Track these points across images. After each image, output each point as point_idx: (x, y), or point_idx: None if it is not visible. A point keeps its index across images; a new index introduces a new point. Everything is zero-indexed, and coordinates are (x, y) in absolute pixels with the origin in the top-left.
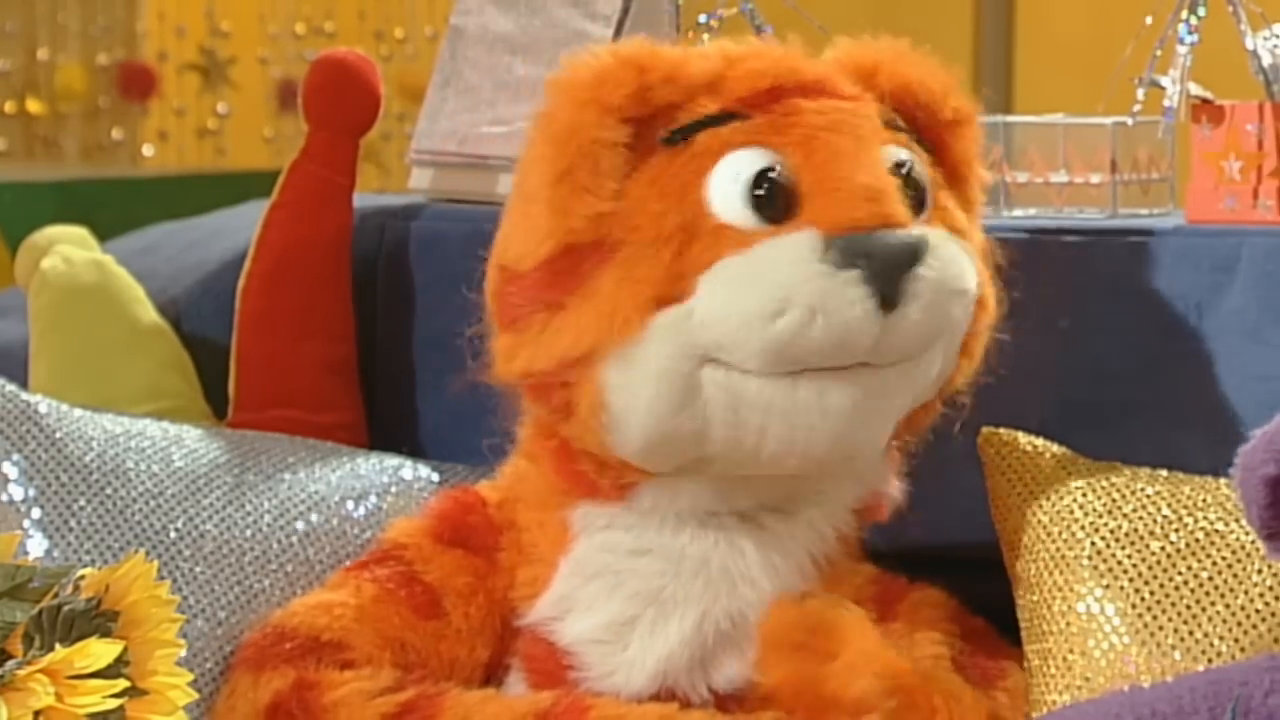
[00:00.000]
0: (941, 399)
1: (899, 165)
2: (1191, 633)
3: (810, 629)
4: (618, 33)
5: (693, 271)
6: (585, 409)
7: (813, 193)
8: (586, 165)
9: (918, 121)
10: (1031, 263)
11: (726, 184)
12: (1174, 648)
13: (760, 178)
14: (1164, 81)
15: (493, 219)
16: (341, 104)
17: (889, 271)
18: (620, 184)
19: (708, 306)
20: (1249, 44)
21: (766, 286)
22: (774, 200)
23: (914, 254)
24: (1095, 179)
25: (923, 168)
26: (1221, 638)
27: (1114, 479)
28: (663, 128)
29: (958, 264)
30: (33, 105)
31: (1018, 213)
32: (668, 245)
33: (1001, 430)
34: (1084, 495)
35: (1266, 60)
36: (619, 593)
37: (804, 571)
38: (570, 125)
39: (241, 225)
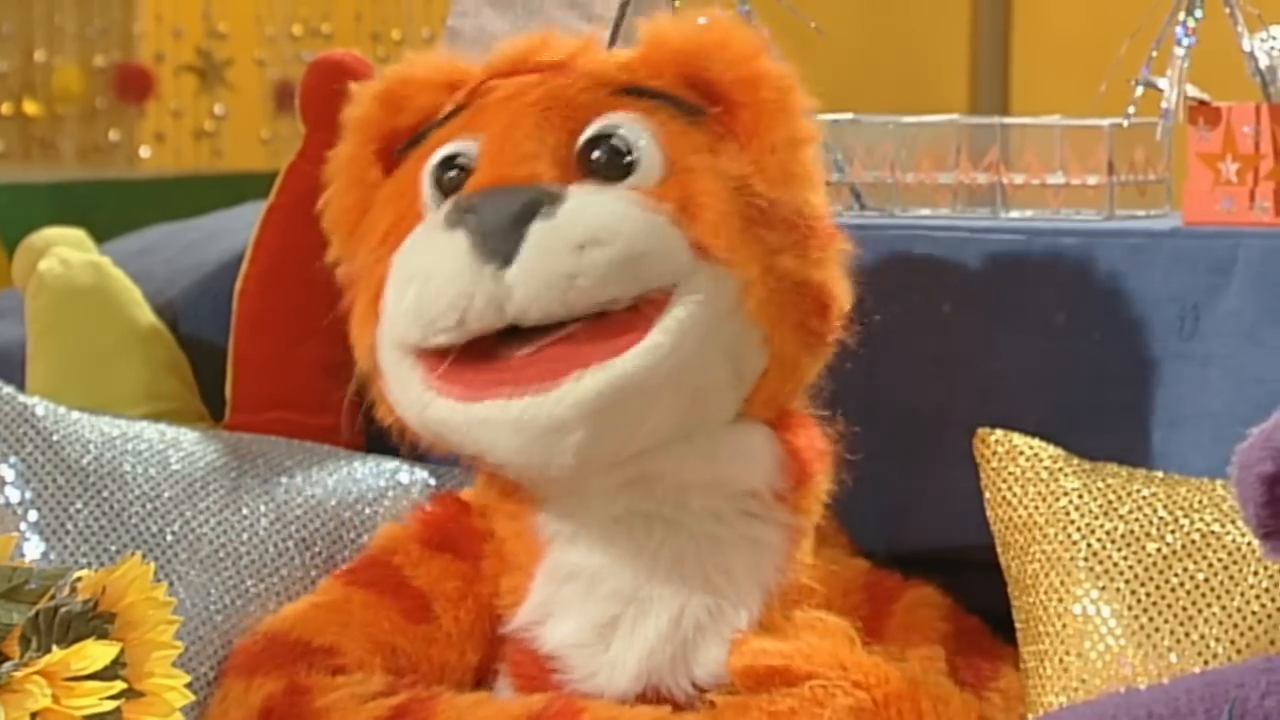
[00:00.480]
0: (783, 366)
1: (601, 136)
2: (1188, 634)
3: (780, 657)
4: (614, 35)
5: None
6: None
7: (478, 167)
8: (351, 185)
9: (697, 87)
10: (1028, 264)
11: (426, 176)
12: (1170, 649)
13: (447, 164)
14: (1161, 83)
15: None
16: (339, 105)
17: (494, 225)
18: (374, 197)
19: (387, 305)
20: (1246, 46)
21: (403, 272)
22: (452, 181)
23: (524, 208)
24: (1092, 180)
25: (646, 137)
26: (1218, 639)
27: (1110, 480)
28: (397, 145)
29: (590, 216)
30: (29, 107)
31: (1014, 214)
32: (383, 246)
33: (998, 431)
34: (1080, 497)
35: (1263, 62)
36: (596, 594)
37: (777, 560)
38: (333, 166)
39: (239, 227)
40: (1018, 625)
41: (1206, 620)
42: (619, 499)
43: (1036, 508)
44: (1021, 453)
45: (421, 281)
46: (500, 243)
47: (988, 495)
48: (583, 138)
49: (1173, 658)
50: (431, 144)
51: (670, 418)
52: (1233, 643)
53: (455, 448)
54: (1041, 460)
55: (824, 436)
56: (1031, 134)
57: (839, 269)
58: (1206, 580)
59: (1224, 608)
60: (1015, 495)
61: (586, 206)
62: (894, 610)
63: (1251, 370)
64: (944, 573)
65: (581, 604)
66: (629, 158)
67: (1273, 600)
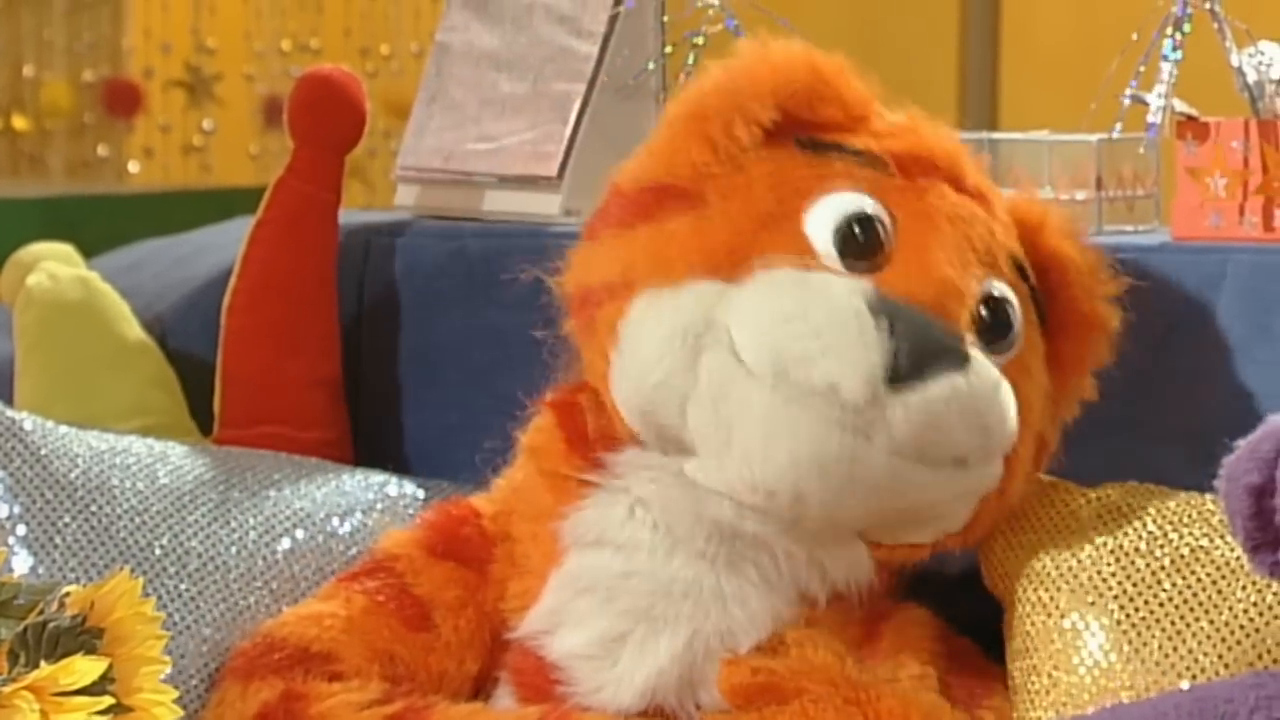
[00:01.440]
0: (932, 541)
1: (996, 299)
2: (1176, 649)
3: (770, 674)
4: (603, 49)
5: (754, 257)
6: (601, 334)
7: (895, 260)
8: (722, 120)
9: (1049, 293)
10: None
11: (830, 210)
12: (1159, 665)
13: (861, 223)
14: (1149, 98)
15: (478, 235)
16: (327, 121)
17: (914, 345)
18: (740, 157)
19: (746, 299)
20: (1234, 61)
21: (800, 299)
22: (860, 248)
23: (946, 350)
24: (1080, 196)
25: (1019, 316)
26: (1206, 654)
27: (1099, 495)
28: (806, 133)
29: (993, 399)
30: (18, 122)
31: None
32: (747, 225)
33: None
34: (1068, 512)
35: (1251, 77)
36: (609, 608)
37: (797, 595)
38: (733, 81)
39: (227, 242)
40: (1006, 640)
41: (1195, 635)
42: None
43: (1022, 524)
44: None
45: (812, 336)
46: (910, 363)
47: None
48: (983, 292)
49: (1161, 673)
50: (837, 169)
51: (858, 510)
52: (1221, 658)
53: (679, 422)
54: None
55: None
56: (1020, 149)
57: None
58: (1196, 595)
59: (1212, 623)
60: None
61: (993, 389)
62: (885, 630)
63: (1241, 385)
64: (933, 589)
65: (594, 615)
66: (1009, 336)
67: (1261, 615)
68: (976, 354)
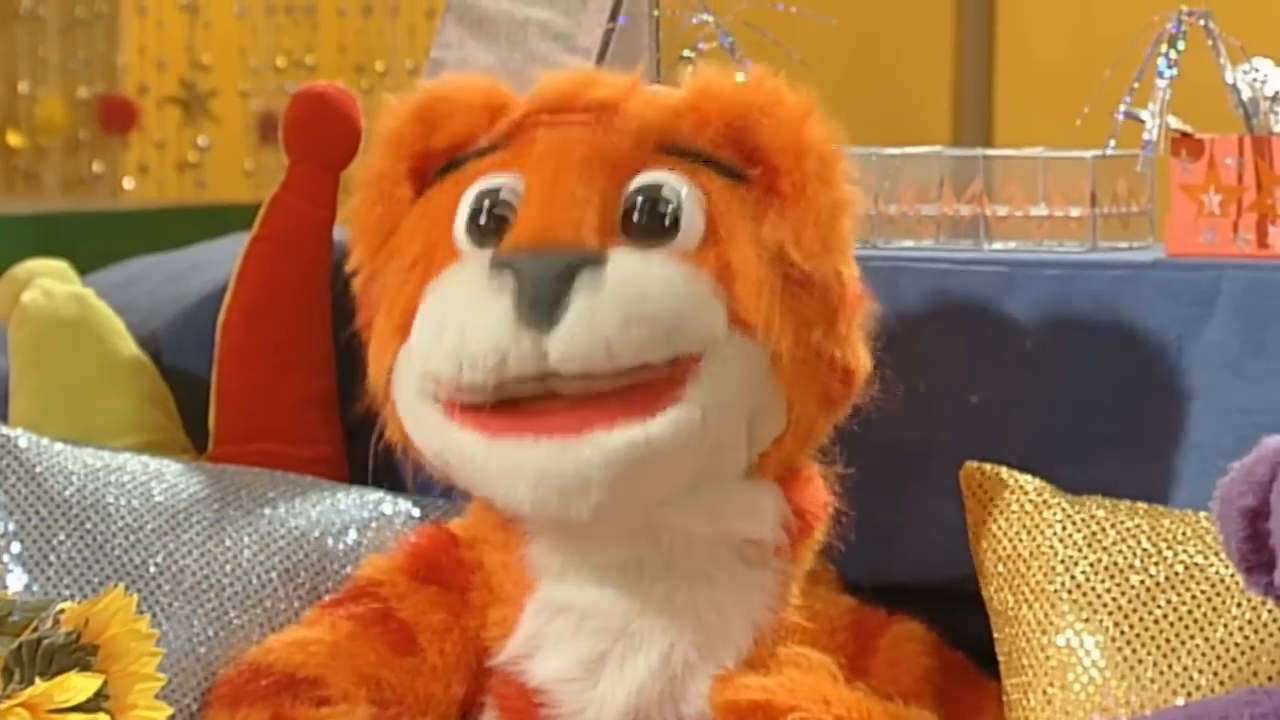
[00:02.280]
0: (800, 430)
1: (641, 190)
2: (1171, 666)
3: (763, 691)
4: (598, 66)
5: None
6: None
7: (520, 219)
8: (379, 198)
9: (742, 149)
10: (1012, 296)
11: (463, 208)
12: (1153, 681)
13: (484, 199)
14: (1143, 115)
15: None
16: (322, 137)
17: (537, 287)
18: (403, 214)
19: (416, 338)
20: (1228, 78)
21: (437, 311)
22: (485, 225)
23: (567, 270)
24: (1075, 212)
25: (688, 199)
26: (1201, 671)
27: (1094, 512)
28: (436, 165)
29: (633, 286)
30: (13, 138)
31: (998, 246)
32: (413, 271)
33: (983, 465)
34: (1063, 529)
35: (1246, 94)
36: (586, 630)
37: (769, 599)
38: (373, 168)
39: (222, 259)
40: (1001, 658)
41: (1190, 652)
42: (621, 546)
43: (1020, 540)
44: (1006, 485)
45: (458, 331)
46: (544, 309)
47: (971, 528)
48: (626, 192)
49: (1156, 690)
50: (469, 174)
51: (687, 477)
52: (1215, 675)
53: (464, 481)
54: (1025, 493)
55: (826, 487)
56: (1015, 166)
57: (863, 337)
58: (1190, 612)
59: (1207, 640)
60: (999, 528)
61: (630, 275)
62: (879, 646)
63: (1235, 402)
64: (929, 605)
65: (571, 638)
66: (671, 219)
67: (1256, 633)
68: (617, 254)
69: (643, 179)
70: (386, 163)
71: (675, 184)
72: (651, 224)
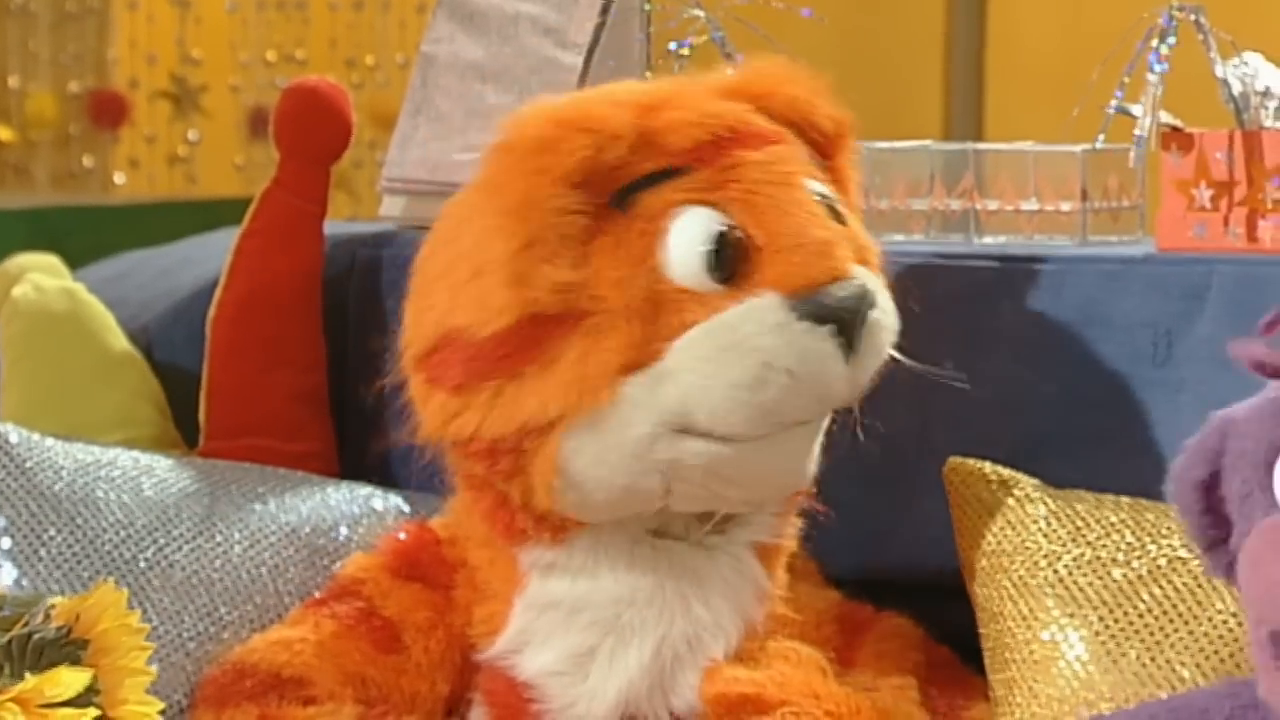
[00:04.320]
0: None
1: (821, 198)
2: (1155, 660)
3: (752, 684)
4: (588, 61)
5: (660, 338)
6: (540, 473)
7: (768, 250)
8: (548, 236)
9: (810, 138)
10: (1002, 291)
11: (681, 247)
12: (1137, 675)
13: (713, 239)
14: (1134, 109)
15: None
16: (313, 132)
17: (852, 323)
18: (581, 251)
19: (688, 380)
20: (1219, 72)
21: (746, 355)
22: (729, 261)
23: (868, 303)
24: (1065, 207)
25: (833, 193)
26: (1185, 665)
27: (1077, 506)
28: (607, 190)
29: (889, 301)
30: (3, 133)
31: (988, 240)
32: (635, 314)
33: (968, 460)
34: (1047, 523)
35: (1236, 88)
36: (576, 624)
37: (757, 590)
38: (526, 197)
39: (212, 253)
40: (986, 652)
41: (1174, 645)
42: (616, 539)
43: (1004, 535)
44: (990, 480)
45: (786, 378)
46: (853, 337)
47: (956, 523)
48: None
49: (1140, 683)
50: (656, 206)
51: None
52: (1199, 667)
53: (658, 503)
54: (1010, 488)
55: None
56: (1005, 160)
57: None
58: (1175, 606)
59: (1191, 633)
60: (983, 522)
61: (885, 294)
62: (866, 641)
63: (1224, 396)
64: (919, 599)
65: (561, 633)
66: (842, 219)
67: (1240, 624)
68: (861, 271)
69: (814, 188)
70: (555, 197)
71: (826, 186)
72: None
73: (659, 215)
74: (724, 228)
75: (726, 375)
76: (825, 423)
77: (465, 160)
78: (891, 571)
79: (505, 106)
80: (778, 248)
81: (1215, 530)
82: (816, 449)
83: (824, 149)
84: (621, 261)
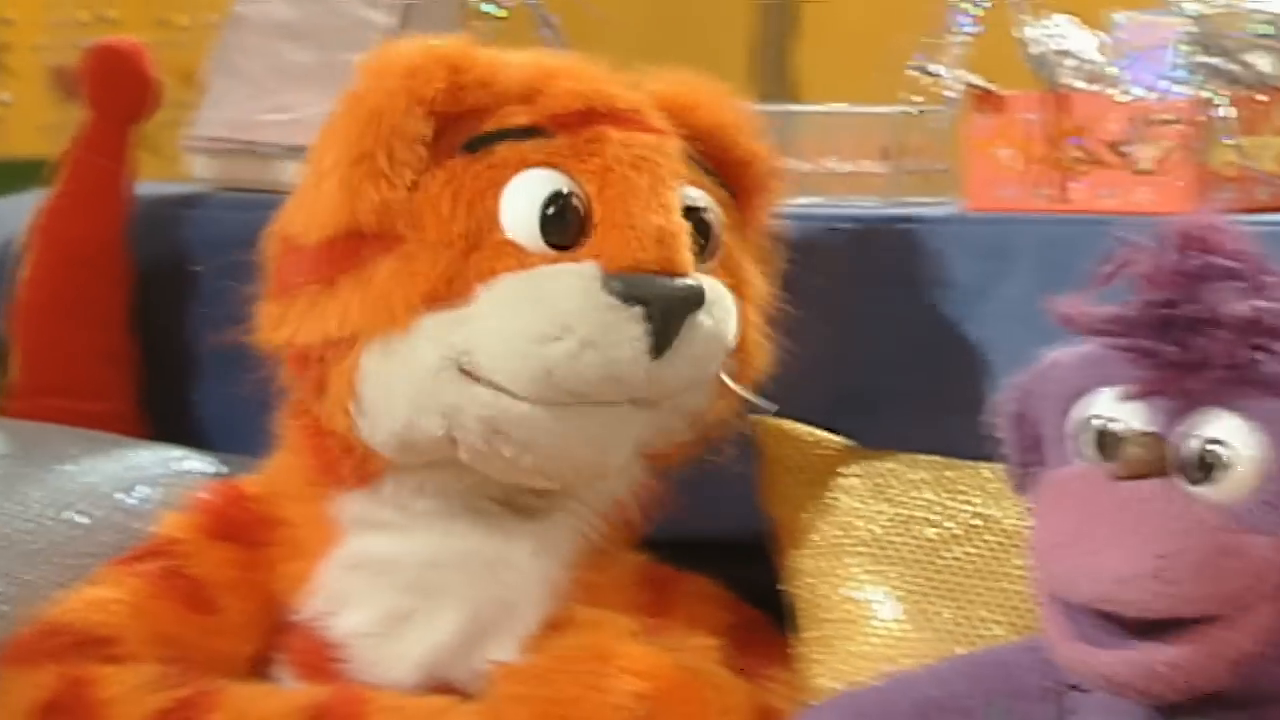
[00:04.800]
0: (697, 434)
1: (692, 209)
2: (968, 618)
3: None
4: (403, 21)
5: (472, 278)
6: (336, 390)
7: (603, 225)
8: (385, 152)
9: (723, 163)
10: (810, 251)
11: (520, 201)
12: (951, 633)
13: (553, 201)
14: (937, 69)
15: (274, 207)
16: (115, 91)
17: (666, 316)
18: (415, 178)
19: (485, 323)
20: (1019, 33)
21: (546, 311)
22: (564, 226)
23: (692, 302)
24: (873, 167)
25: (717, 212)
26: (997, 622)
27: (887, 465)
28: (467, 132)
29: (728, 319)
30: None
31: (800, 201)
32: (450, 248)
33: (777, 419)
34: (856, 482)
35: (1036, 49)
36: (389, 586)
37: (568, 557)
38: (377, 109)
39: (20, 213)
40: (796, 611)
41: (985, 603)
42: (441, 500)
43: (813, 494)
44: (799, 440)
45: (577, 345)
46: (665, 333)
47: (765, 483)
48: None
49: (954, 641)
50: (510, 159)
51: (629, 457)
52: (1012, 625)
53: (449, 450)
54: (818, 447)
55: None
56: (813, 121)
57: None
58: (985, 563)
59: (1002, 590)
60: (792, 482)
61: (727, 310)
62: (674, 603)
63: (1031, 356)
64: (721, 560)
65: (372, 593)
66: (712, 239)
67: None
68: (705, 280)
69: (689, 196)
70: (405, 116)
71: (709, 201)
72: (697, 243)
73: (508, 165)
74: (565, 190)
75: (516, 323)
76: (640, 417)
77: (273, 120)
78: (693, 532)
79: (314, 65)
80: (613, 224)
81: (1035, 456)
82: (624, 440)
83: (733, 176)
84: (451, 198)
